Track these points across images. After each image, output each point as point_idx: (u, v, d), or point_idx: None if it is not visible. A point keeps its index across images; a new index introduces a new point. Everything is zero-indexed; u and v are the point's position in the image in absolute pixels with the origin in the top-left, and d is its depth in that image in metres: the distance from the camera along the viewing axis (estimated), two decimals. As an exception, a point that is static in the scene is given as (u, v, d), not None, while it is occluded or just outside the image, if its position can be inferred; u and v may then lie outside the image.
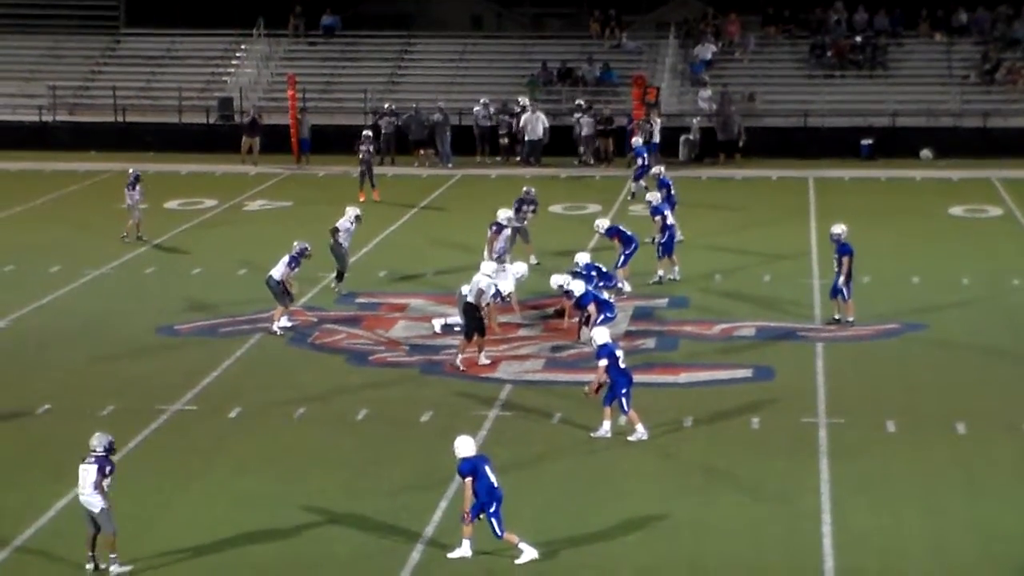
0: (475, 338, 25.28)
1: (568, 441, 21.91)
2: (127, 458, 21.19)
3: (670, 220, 31.22)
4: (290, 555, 18.00)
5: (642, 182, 39.70)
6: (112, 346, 26.99)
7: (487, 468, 17.77)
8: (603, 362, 21.73)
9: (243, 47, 54.68)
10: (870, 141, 47.13)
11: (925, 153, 46.91)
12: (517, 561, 17.64)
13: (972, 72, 50.75)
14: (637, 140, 42.02)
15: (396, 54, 54.53)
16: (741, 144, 46.40)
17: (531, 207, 32.64)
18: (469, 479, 17.65)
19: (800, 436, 21.98)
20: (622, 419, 21.87)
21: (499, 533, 17.68)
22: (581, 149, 46.66)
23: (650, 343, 26.82)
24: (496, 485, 17.74)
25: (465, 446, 17.84)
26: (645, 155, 40.62)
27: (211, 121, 50.51)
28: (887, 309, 28.87)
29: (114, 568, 17.46)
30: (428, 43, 55.43)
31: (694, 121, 48.12)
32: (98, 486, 17.28)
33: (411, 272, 32.05)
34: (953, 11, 53.09)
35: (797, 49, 53.20)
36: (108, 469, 17.41)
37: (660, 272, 30.69)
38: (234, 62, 54.24)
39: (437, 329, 27.34)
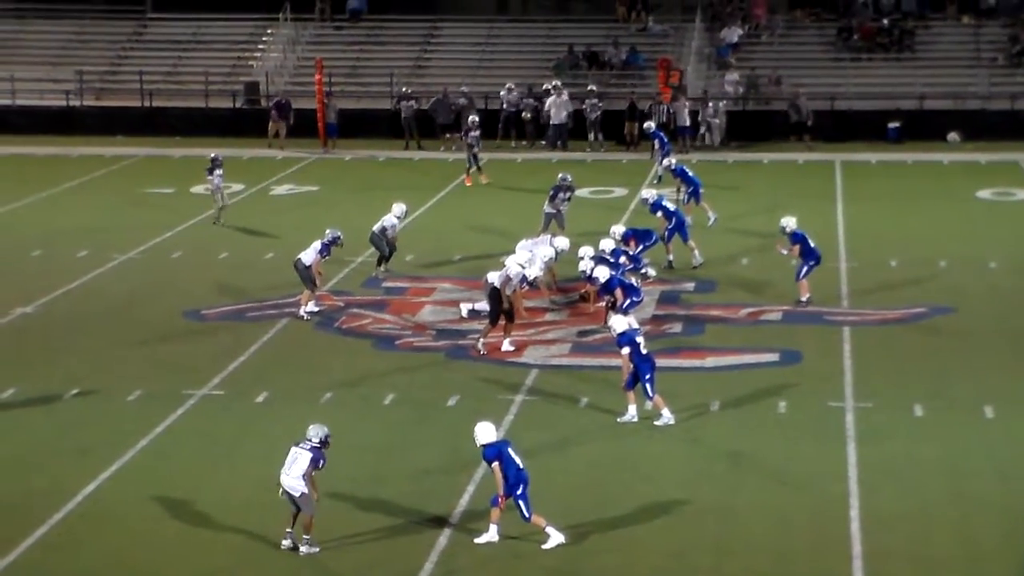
0: (501, 323, 25.28)
1: (594, 426, 21.91)
2: (155, 441, 21.32)
3: (671, 208, 31.23)
4: (316, 539, 18.02)
5: (669, 160, 38.72)
6: (139, 330, 27.08)
7: (511, 451, 17.81)
8: (625, 350, 21.73)
9: (269, 31, 54.71)
10: (897, 124, 46.94)
11: (953, 136, 46.71)
12: (544, 546, 17.66)
13: (1000, 55, 50.47)
14: (650, 124, 41.85)
15: (422, 38, 54.50)
16: (810, 124, 46.07)
17: (567, 194, 32.44)
18: (496, 463, 17.67)
19: (827, 420, 21.95)
20: (648, 404, 21.86)
21: (527, 515, 17.70)
22: (591, 135, 46.54)
23: (677, 327, 26.79)
24: (522, 467, 17.77)
25: (486, 432, 17.89)
26: (662, 136, 40.37)
27: (237, 105, 50.56)
28: (915, 292, 28.80)
29: (304, 548, 17.67)
30: (454, 27, 55.39)
31: (720, 104, 47.97)
32: (308, 476, 17.57)
33: (438, 257, 32.05)
34: (981, -7, 52.88)
35: (824, 32, 52.99)
36: (321, 463, 17.71)
37: (670, 257, 30.66)
38: (260, 46, 54.27)
39: (464, 314, 27.36)
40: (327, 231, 28.01)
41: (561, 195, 32.31)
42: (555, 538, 17.69)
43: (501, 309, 25.24)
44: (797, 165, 43.79)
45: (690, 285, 29.55)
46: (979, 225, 35.48)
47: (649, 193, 31.95)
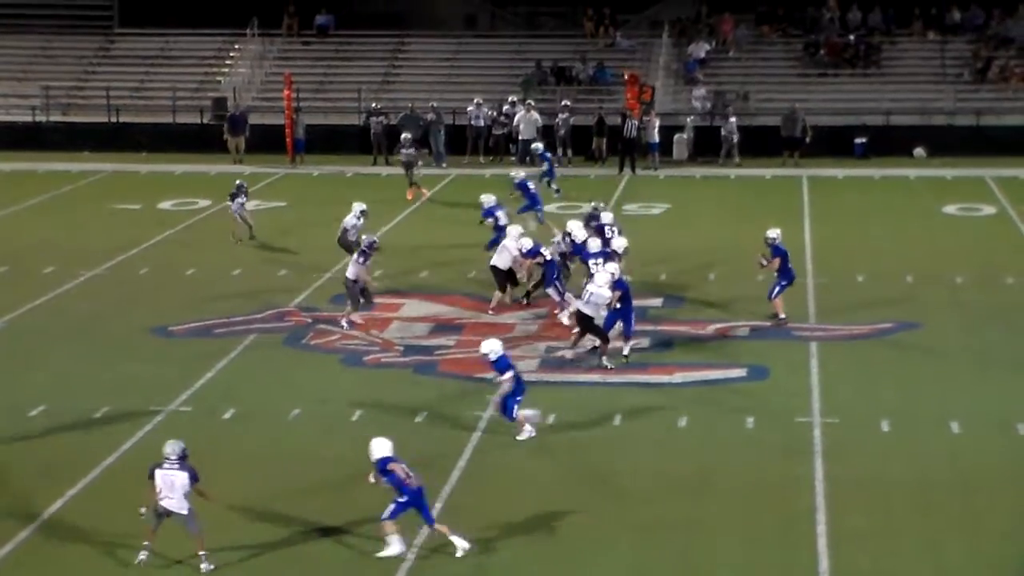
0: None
1: (562, 441, 21.92)
2: (121, 459, 21.23)
3: (502, 221, 31.53)
4: (284, 557, 17.99)
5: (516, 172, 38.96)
6: (106, 347, 26.99)
7: (401, 466, 17.98)
8: (508, 374, 21.73)
9: (237, 47, 54.65)
10: (864, 140, 47.14)
11: (919, 151, 46.95)
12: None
13: (965, 71, 50.78)
14: (538, 145, 41.97)
15: (390, 53, 54.52)
16: (808, 141, 46.19)
17: (607, 223, 31.64)
18: (383, 476, 18.02)
19: (794, 436, 22.00)
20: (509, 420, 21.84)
21: (429, 520, 18.02)
22: (559, 151, 46.62)
23: (644, 342, 26.81)
24: (413, 480, 17.95)
25: (380, 448, 18.12)
26: (548, 156, 40.80)
27: (205, 121, 50.45)
28: (881, 308, 28.89)
29: (204, 566, 17.66)
30: (422, 42, 55.42)
31: (688, 120, 48.15)
32: (188, 493, 17.61)
33: (406, 272, 32.01)
34: (946, 9, 53.14)
35: (791, 48, 53.22)
36: (196, 475, 17.71)
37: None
38: (228, 62, 54.21)
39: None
40: (363, 238, 28.06)
41: (593, 223, 31.53)
42: (393, 547, 17.78)
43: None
44: (764, 180, 43.92)
45: (658, 301, 29.58)
46: (945, 240, 35.65)
47: (487, 198, 32.71)
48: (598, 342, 25.31)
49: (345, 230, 31.14)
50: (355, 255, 27.84)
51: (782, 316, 27.65)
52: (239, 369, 25.65)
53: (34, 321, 28.82)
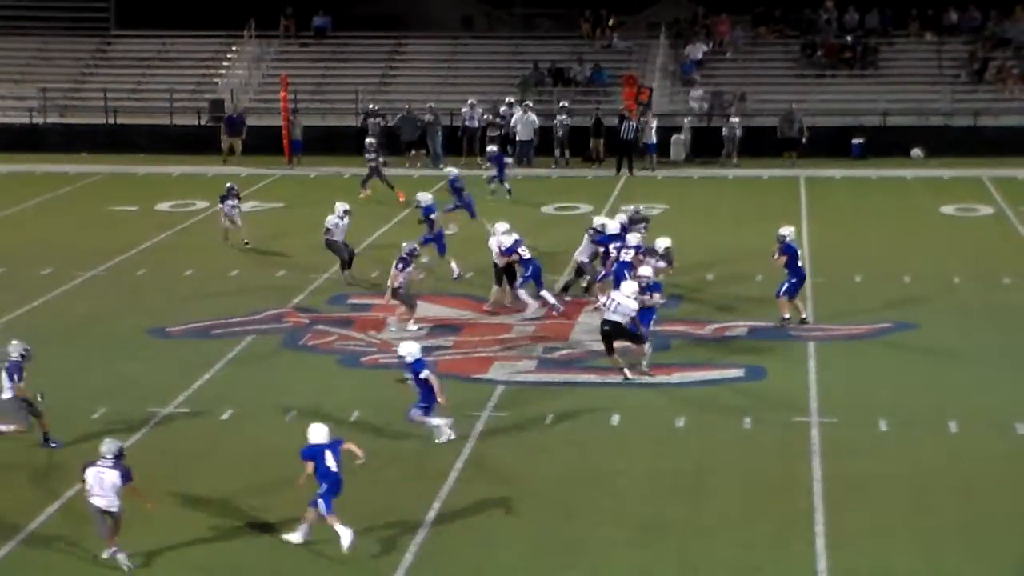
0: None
1: (560, 441, 21.92)
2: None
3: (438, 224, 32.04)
4: (282, 557, 18.00)
5: (493, 185, 39.45)
6: (104, 348, 26.99)
7: (329, 454, 18.18)
8: (425, 372, 21.50)
9: (234, 48, 54.69)
10: (861, 140, 47.20)
11: (916, 152, 47.00)
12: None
13: (962, 71, 50.85)
14: (493, 148, 41.90)
15: (387, 55, 54.56)
16: (804, 141, 46.24)
17: (642, 225, 31.19)
18: (310, 464, 18.13)
19: (792, 436, 22.00)
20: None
21: (325, 511, 18.07)
22: (557, 152, 46.65)
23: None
24: (335, 471, 18.13)
25: (316, 433, 18.36)
26: (502, 158, 40.80)
27: (202, 123, 50.48)
28: (878, 308, 28.91)
29: (111, 553, 17.83)
30: (419, 44, 55.47)
31: (685, 121, 48.20)
32: (119, 491, 17.74)
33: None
34: (943, 10, 53.19)
35: (788, 49, 53.27)
36: (130, 475, 17.87)
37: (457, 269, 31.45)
38: (225, 63, 54.24)
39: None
40: (403, 244, 27.95)
41: (634, 227, 31.48)
42: (345, 536, 17.96)
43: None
44: (762, 181, 43.95)
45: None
46: (943, 241, 35.67)
47: (423, 196, 32.83)
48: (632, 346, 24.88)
49: (329, 230, 31.14)
50: (395, 263, 27.51)
51: (786, 316, 27.50)
52: (237, 370, 25.64)
53: (32, 322, 28.80)
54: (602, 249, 29.37)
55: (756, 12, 54.77)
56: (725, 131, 46.63)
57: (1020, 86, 49.72)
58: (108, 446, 17.96)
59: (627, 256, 27.78)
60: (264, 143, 46.97)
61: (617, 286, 25.54)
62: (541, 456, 21.32)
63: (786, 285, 27.49)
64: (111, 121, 50.63)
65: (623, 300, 24.48)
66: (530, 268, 28.56)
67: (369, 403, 23.57)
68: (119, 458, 17.89)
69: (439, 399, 21.52)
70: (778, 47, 53.60)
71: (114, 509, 17.77)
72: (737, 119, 46.80)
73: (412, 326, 27.58)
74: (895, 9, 53.50)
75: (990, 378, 24.71)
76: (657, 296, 25.54)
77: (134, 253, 34.64)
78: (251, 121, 48.94)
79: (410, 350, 21.71)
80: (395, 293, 27.46)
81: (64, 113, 52.10)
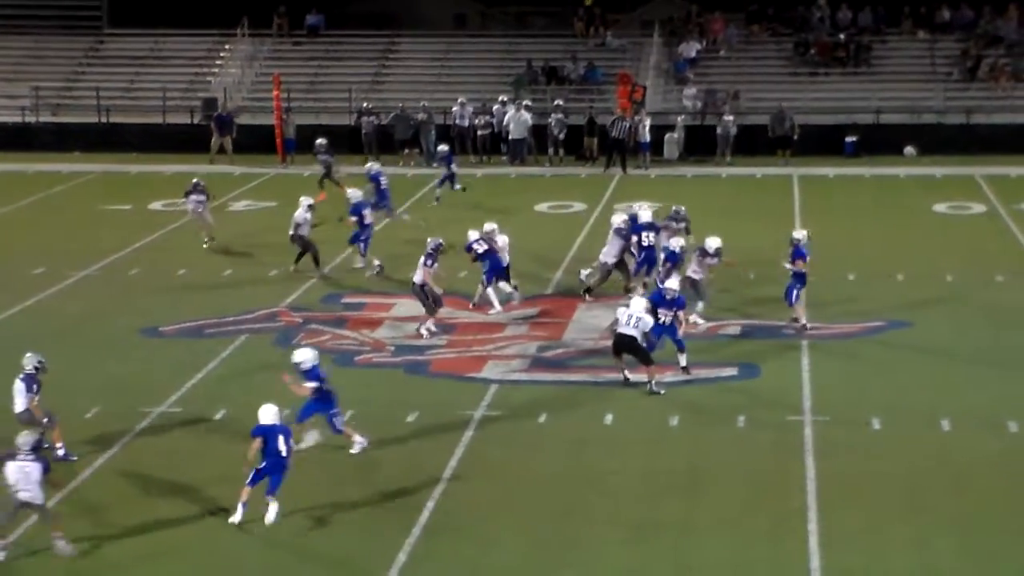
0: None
1: (553, 441, 21.92)
2: (111, 459, 21.20)
3: (368, 220, 31.95)
4: (275, 556, 17.99)
5: (370, 165, 38.24)
6: (97, 348, 26.97)
7: (281, 438, 18.64)
8: (313, 384, 21.11)
9: (227, 47, 54.62)
10: (854, 138, 47.22)
11: (909, 150, 47.03)
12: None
13: (955, 69, 50.87)
14: (444, 147, 40.76)
15: (380, 53, 54.52)
16: (795, 138, 46.30)
17: (682, 224, 31.20)
18: (259, 440, 18.59)
19: (785, 434, 22.01)
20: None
21: (270, 491, 18.75)
22: (551, 150, 46.67)
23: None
24: (284, 456, 18.61)
25: (265, 414, 18.86)
26: (451, 159, 39.95)
27: (195, 121, 50.42)
28: (872, 306, 28.93)
29: (63, 545, 17.97)
30: (412, 42, 55.43)
31: (678, 119, 48.20)
32: (43, 484, 17.85)
33: (396, 272, 31.97)
34: (936, 8, 53.22)
35: (781, 47, 53.28)
36: (48, 466, 18.02)
37: (377, 263, 31.75)
38: (218, 62, 54.17)
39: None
40: (428, 241, 27.90)
41: (675, 224, 31.14)
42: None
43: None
44: (755, 179, 43.97)
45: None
46: (936, 239, 35.69)
47: (354, 193, 33.05)
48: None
49: (297, 225, 31.40)
50: (421, 259, 27.37)
51: (803, 322, 27.36)
52: (230, 370, 25.62)
53: (25, 322, 28.77)
54: (634, 238, 29.40)
55: (749, 10, 54.76)
56: (719, 129, 46.66)
57: (1012, 84, 49.76)
58: (25, 439, 17.97)
59: (675, 244, 28.36)
60: (257, 142, 46.95)
61: (662, 278, 26.53)
62: (535, 455, 21.32)
63: (795, 290, 27.31)
64: (104, 120, 50.58)
65: (642, 315, 24.00)
66: (487, 263, 28.51)
67: (363, 402, 23.53)
68: (36, 450, 17.92)
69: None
70: (771, 45, 53.61)
71: (39, 502, 17.82)
72: (731, 117, 46.84)
73: (432, 326, 27.32)
74: (888, 7, 53.54)
75: (983, 376, 24.73)
76: (681, 313, 25.25)
77: (127, 252, 34.61)
78: (244, 120, 48.93)
79: (305, 357, 21.32)
80: (419, 290, 27.21)
81: (57, 112, 52.04)
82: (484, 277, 28.77)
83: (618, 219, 29.98)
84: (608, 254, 29.64)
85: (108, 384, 24.79)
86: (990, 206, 39.31)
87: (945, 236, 35.99)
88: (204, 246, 34.78)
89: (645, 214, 29.92)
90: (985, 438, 21.79)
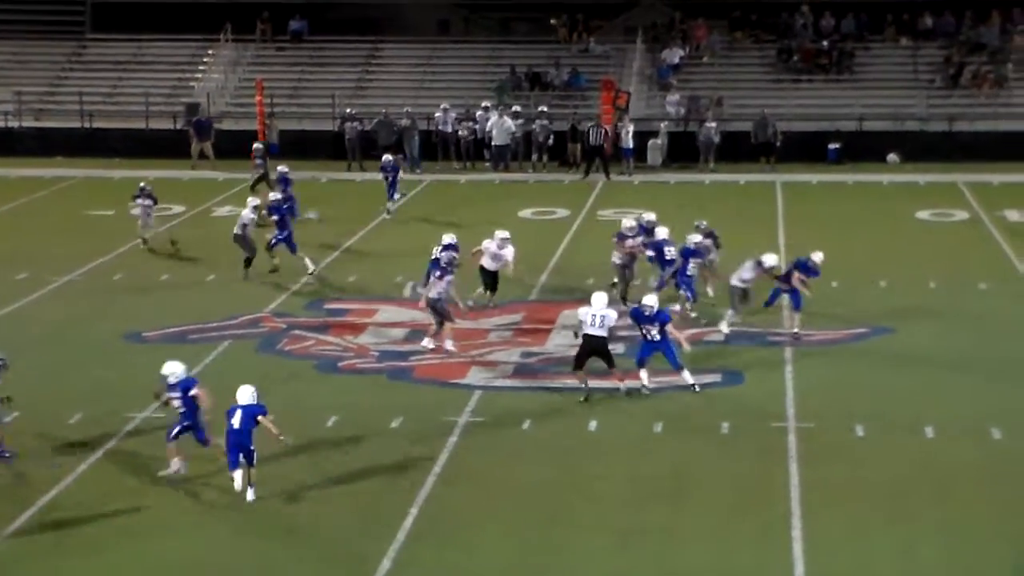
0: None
1: (537, 447, 21.91)
2: (95, 465, 21.14)
3: (291, 227, 32.37)
4: (259, 562, 17.95)
5: (282, 168, 38.70)
6: (80, 353, 26.90)
7: (238, 413, 19.64)
8: (194, 391, 20.78)
9: (210, 52, 54.56)
10: (837, 145, 47.32)
11: (892, 157, 47.13)
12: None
13: (937, 76, 51.00)
14: (388, 157, 40.09)
15: (363, 59, 54.50)
16: (778, 144, 46.35)
17: (711, 240, 30.82)
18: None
19: (769, 441, 22.03)
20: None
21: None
22: (535, 156, 46.71)
23: (619, 348, 26.80)
24: (236, 429, 19.53)
25: (240, 394, 19.86)
26: (397, 168, 39.50)
27: (178, 127, 50.35)
28: (855, 313, 28.97)
29: None
30: (396, 48, 55.41)
31: (662, 125, 48.26)
32: None
33: (380, 278, 32.00)
34: (919, 15, 53.35)
35: (764, 53, 53.36)
36: None
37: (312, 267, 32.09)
38: (201, 67, 54.11)
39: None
40: (443, 256, 27.71)
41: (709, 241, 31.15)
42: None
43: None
44: (738, 186, 44.03)
45: (633, 307, 29.53)
46: (918, 246, 35.77)
47: (274, 195, 33.70)
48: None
49: (244, 225, 31.77)
50: (435, 273, 27.21)
51: (797, 331, 27.42)
52: (213, 375, 25.50)
53: (7, 328, 28.67)
54: (652, 253, 29.35)
55: (732, 17, 54.84)
56: (702, 136, 46.73)
57: (995, 91, 49.91)
58: None
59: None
60: (240, 147, 46.78)
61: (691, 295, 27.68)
62: (519, 461, 21.31)
63: (794, 301, 27.29)
64: (87, 125, 50.49)
65: (606, 312, 23.97)
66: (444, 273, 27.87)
67: (346, 408, 23.53)
68: None
69: (205, 417, 20.88)
70: (754, 52, 53.69)
71: None
72: (714, 124, 46.92)
73: (443, 342, 26.82)
74: (871, 14, 53.63)
75: (966, 383, 24.78)
76: (677, 307, 25.27)
77: (110, 258, 34.54)
78: (227, 125, 48.88)
79: (173, 370, 21.03)
80: (431, 303, 26.85)
81: (39, 117, 51.93)
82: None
83: (627, 224, 30.17)
84: (615, 257, 29.73)
85: (92, 389, 24.73)
86: (973, 213, 39.42)
87: (928, 243, 36.08)
88: (141, 247, 34.88)
89: (662, 230, 29.70)
90: (968, 445, 21.83)
